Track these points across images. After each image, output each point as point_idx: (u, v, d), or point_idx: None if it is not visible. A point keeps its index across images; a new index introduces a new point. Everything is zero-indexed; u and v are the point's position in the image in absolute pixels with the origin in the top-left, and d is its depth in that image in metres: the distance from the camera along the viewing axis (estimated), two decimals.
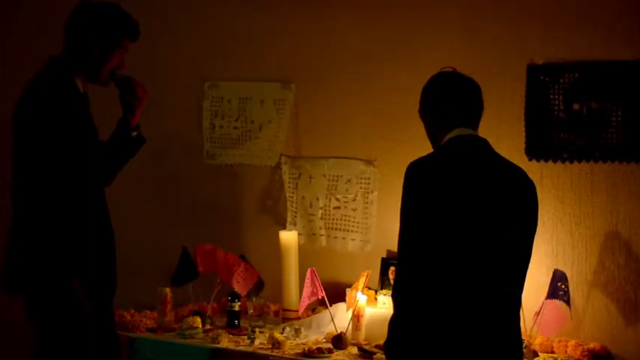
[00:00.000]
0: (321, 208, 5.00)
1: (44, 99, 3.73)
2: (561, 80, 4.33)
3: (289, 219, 5.04)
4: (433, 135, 3.43)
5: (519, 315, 3.35)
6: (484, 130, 4.48)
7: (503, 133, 4.47)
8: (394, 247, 3.47)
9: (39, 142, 3.70)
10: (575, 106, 4.31)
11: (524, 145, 4.42)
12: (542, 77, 4.37)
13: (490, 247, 3.20)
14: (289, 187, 5.09)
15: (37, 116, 3.71)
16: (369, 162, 4.87)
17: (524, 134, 4.42)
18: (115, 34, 3.86)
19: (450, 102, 3.38)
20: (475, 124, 3.41)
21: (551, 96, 4.35)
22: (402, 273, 3.27)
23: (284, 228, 4.99)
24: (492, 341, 3.23)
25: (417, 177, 3.27)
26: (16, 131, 3.77)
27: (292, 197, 5.07)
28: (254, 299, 4.87)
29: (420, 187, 3.25)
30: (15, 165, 3.78)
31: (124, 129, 3.97)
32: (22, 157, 3.75)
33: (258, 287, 4.81)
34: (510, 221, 3.24)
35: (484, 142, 3.37)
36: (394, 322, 3.30)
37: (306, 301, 4.43)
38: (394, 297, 3.29)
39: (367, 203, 4.88)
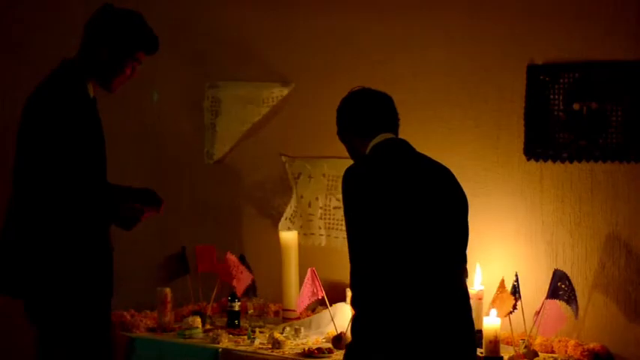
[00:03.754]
0: (321, 207, 4.99)
1: (51, 101, 3.71)
2: (561, 80, 4.33)
3: (283, 217, 5.05)
4: (356, 150, 3.64)
5: (467, 291, 3.54)
6: (484, 130, 4.52)
7: (504, 133, 4.48)
8: None
9: (43, 144, 3.68)
10: (575, 106, 4.30)
11: (524, 145, 4.42)
12: (542, 77, 4.37)
13: (433, 232, 3.44)
14: (289, 187, 5.09)
15: (43, 118, 3.70)
16: None
17: (524, 134, 4.42)
18: (130, 45, 3.80)
19: (367, 113, 3.62)
20: (395, 130, 3.64)
21: (551, 96, 4.35)
22: (357, 273, 3.46)
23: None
24: (449, 320, 3.43)
25: (354, 181, 3.50)
26: (20, 132, 3.76)
27: (292, 197, 5.08)
28: (254, 299, 4.87)
29: (359, 190, 3.47)
30: (18, 164, 3.76)
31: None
32: (25, 157, 3.74)
33: (250, 291, 4.83)
34: (444, 205, 3.49)
35: (405, 143, 3.59)
36: (358, 322, 3.46)
37: (306, 301, 4.43)
38: (354, 300, 3.47)
39: None
